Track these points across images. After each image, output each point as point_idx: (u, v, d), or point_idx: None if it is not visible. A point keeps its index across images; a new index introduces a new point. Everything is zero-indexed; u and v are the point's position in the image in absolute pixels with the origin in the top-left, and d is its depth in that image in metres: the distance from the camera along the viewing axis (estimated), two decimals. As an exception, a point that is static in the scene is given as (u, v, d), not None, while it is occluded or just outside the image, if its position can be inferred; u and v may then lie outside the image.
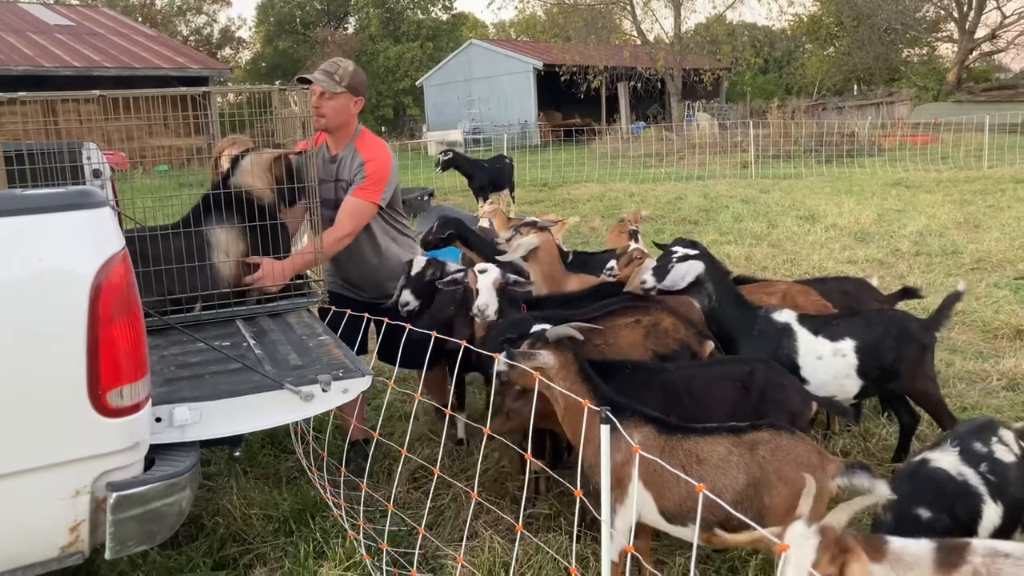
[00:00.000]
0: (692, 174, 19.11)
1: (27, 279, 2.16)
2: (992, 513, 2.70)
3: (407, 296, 4.01)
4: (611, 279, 4.56)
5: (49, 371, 2.19)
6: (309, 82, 3.95)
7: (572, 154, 22.68)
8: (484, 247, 4.96)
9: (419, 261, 4.07)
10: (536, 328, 3.08)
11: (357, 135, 4.16)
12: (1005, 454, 2.83)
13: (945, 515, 2.64)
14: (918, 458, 2.92)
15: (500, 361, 2.90)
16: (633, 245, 4.65)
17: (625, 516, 2.67)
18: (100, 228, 2.28)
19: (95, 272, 2.21)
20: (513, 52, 38.02)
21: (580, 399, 2.63)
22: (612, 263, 4.57)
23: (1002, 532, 2.70)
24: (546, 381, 2.87)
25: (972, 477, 2.74)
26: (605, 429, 2.27)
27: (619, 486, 2.65)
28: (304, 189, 3.74)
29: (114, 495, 2.31)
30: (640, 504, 2.64)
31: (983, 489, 2.72)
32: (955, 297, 4.02)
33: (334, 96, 3.99)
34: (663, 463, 2.38)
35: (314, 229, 3.88)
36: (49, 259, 2.18)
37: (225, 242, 3.59)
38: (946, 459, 2.80)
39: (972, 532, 2.64)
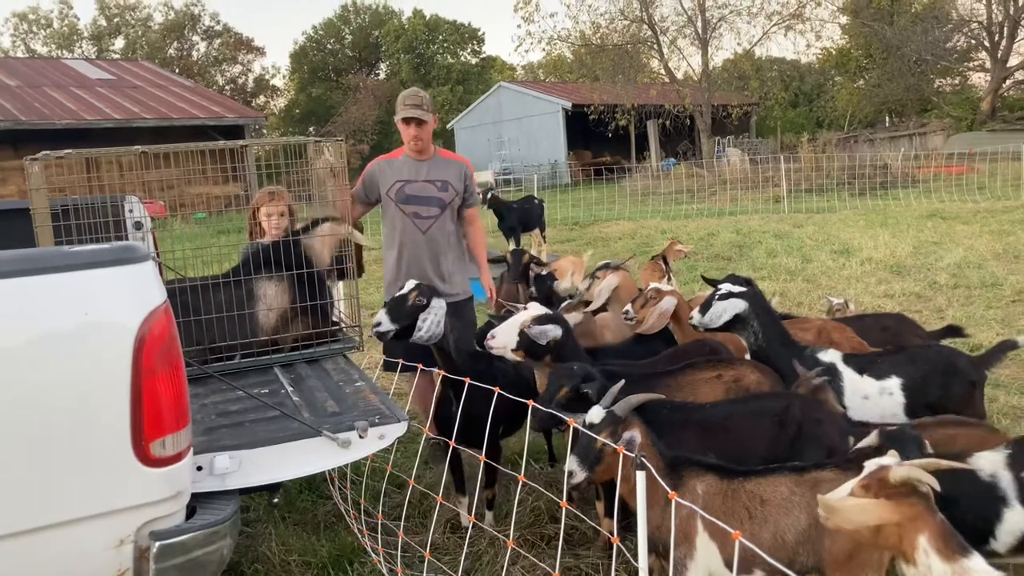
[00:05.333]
0: (724, 210, 19.05)
1: (73, 333, 2.22)
2: None
3: (381, 317, 3.76)
4: (631, 322, 4.54)
5: (94, 422, 2.24)
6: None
7: (603, 192, 22.75)
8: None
9: (409, 283, 3.88)
10: (595, 415, 2.84)
11: (438, 146, 4.88)
12: None
13: None
14: None
15: (577, 474, 2.74)
16: (652, 284, 4.64)
17: (696, 571, 2.63)
18: (143, 282, 2.34)
19: (138, 325, 2.27)
20: (542, 93, 38.42)
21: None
22: (628, 307, 4.55)
23: None
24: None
25: None
26: (640, 476, 2.26)
27: (686, 541, 2.61)
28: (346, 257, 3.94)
29: (157, 544, 2.34)
30: (708, 556, 2.61)
31: None
32: (1011, 345, 3.98)
33: (427, 124, 4.58)
34: (705, 515, 2.34)
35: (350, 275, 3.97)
36: (94, 313, 2.24)
37: (271, 294, 3.68)
38: None
39: None
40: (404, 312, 3.73)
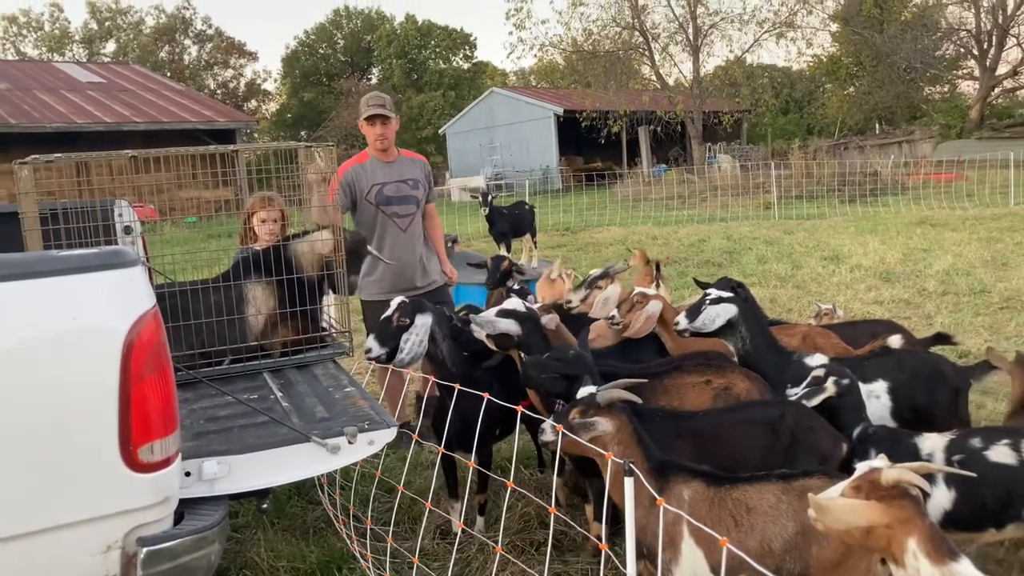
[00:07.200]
0: (715, 216, 19.10)
1: (61, 337, 2.21)
2: None
3: (371, 343, 3.77)
4: (617, 326, 4.51)
5: (82, 428, 2.23)
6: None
7: (594, 198, 22.77)
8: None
9: (393, 302, 3.85)
10: (584, 392, 2.92)
11: (397, 147, 5.22)
12: None
13: None
14: None
15: (547, 432, 2.81)
16: (637, 289, 4.62)
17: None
18: (131, 287, 2.33)
19: (127, 330, 2.26)
20: (534, 99, 38.45)
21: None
22: (614, 311, 4.52)
23: None
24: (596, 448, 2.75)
25: None
26: (629, 482, 2.26)
27: (671, 546, 2.61)
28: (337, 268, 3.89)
29: (144, 550, 2.32)
30: (693, 562, 2.61)
31: None
32: (995, 367, 3.99)
33: (391, 122, 4.99)
34: (691, 519, 2.34)
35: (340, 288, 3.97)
36: (82, 318, 2.23)
37: (260, 298, 3.68)
38: None
39: None
40: (390, 334, 3.75)
